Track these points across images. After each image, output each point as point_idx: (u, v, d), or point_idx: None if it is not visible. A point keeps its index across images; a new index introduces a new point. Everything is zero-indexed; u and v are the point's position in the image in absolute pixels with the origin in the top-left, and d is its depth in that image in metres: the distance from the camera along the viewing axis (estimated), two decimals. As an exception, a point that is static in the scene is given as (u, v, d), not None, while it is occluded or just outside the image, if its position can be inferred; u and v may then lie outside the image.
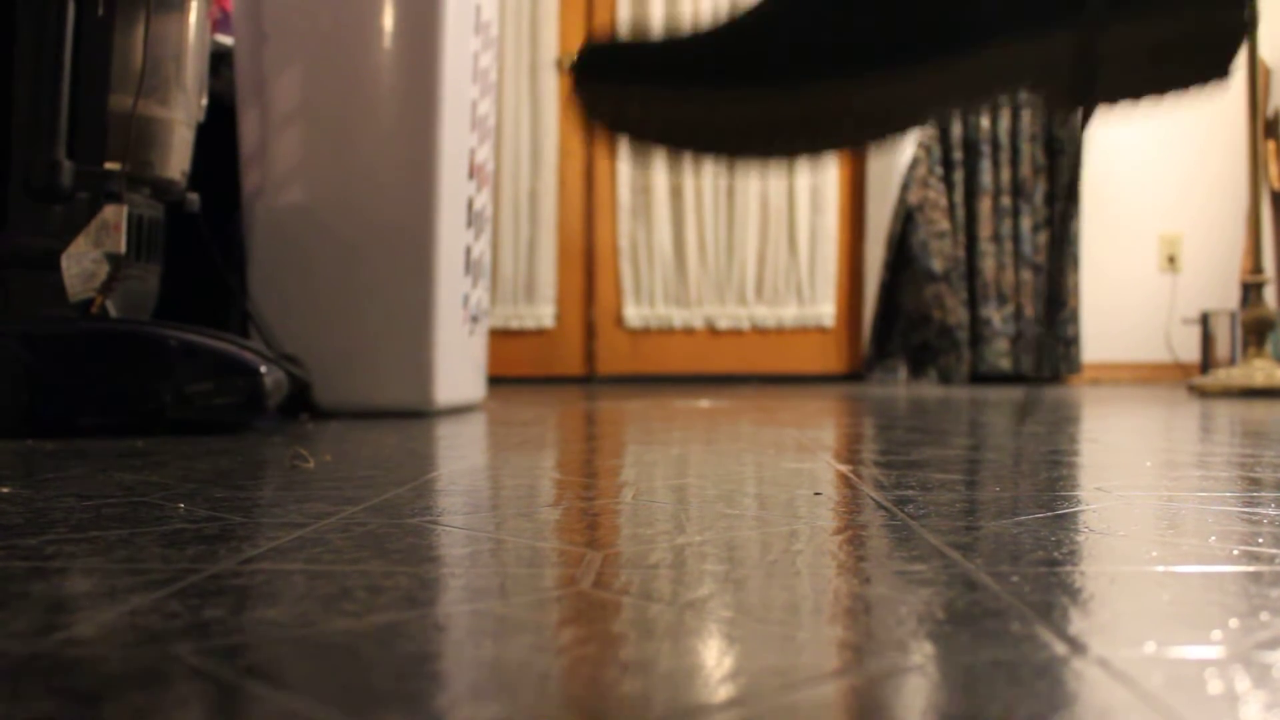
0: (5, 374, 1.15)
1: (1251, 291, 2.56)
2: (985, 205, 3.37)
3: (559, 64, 3.55)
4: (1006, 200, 3.39)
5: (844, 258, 3.50)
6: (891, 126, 0.49)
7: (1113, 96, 0.48)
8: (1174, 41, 0.47)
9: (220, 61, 1.69)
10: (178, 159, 1.38)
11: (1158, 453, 0.93)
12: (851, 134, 0.48)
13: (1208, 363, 3.33)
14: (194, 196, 1.45)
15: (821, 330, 3.50)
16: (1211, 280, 3.65)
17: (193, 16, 1.39)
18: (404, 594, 0.38)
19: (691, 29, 0.50)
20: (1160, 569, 0.42)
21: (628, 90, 0.48)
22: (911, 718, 0.25)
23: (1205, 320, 3.38)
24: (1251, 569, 0.42)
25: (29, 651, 0.31)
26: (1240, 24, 0.48)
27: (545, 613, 0.35)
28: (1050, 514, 0.56)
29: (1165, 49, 0.47)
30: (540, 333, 3.55)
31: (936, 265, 3.31)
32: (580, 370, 3.54)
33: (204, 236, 1.48)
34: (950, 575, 0.41)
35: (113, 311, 1.26)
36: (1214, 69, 0.49)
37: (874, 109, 0.48)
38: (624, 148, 0.50)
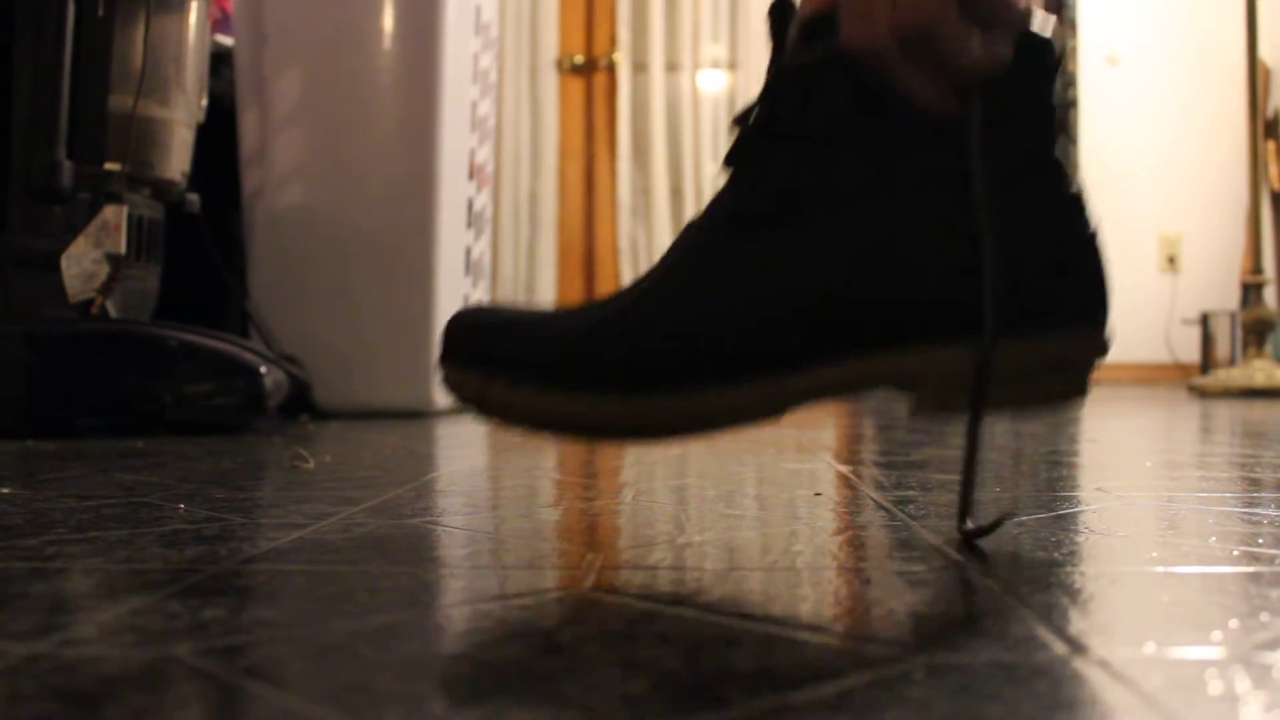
0: (6, 374, 1.15)
1: (1251, 292, 2.56)
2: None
3: (559, 65, 3.55)
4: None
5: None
6: (769, 417, 0.50)
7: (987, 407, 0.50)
8: (1042, 363, 0.49)
9: (220, 62, 1.69)
10: (178, 159, 1.38)
11: (1158, 453, 0.93)
12: (729, 428, 0.50)
13: (1208, 363, 3.33)
14: (194, 197, 1.45)
15: (821, 331, 3.49)
16: (1211, 281, 3.65)
17: (193, 17, 1.39)
18: (404, 595, 0.38)
19: (563, 314, 0.51)
20: (1160, 570, 0.42)
21: (490, 380, 0.49)
22: (911, 719, 0.25)
23: (1205, 321, 3.38)
24: (1251, 570, 0.42)
25: (29, 652, 0.31)
26: (1102, 349, 0.50)
27: (546, 614, 0.35)
28: (1051, 514, 0.56)
29: (1034, 369, 0.49)
30: (540, 333, 3.54)
31: (936, 266, 3.30)
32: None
33: (204, 237, 1.48)
34: (950, 576, 0.41)
35: (113, 312, 1.26)
36: (1075, 388, 0.51)
37: (749, 412, 0.49)
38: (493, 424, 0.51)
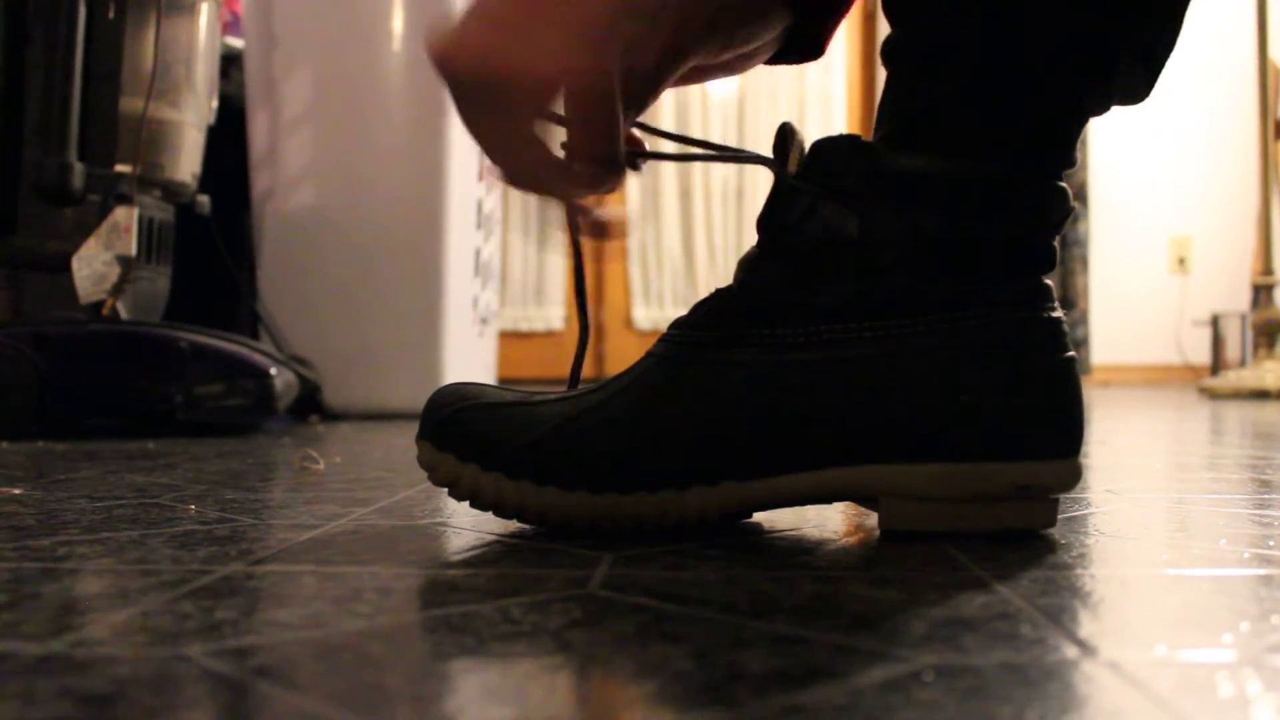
0: (17, 375, 1.16)
1: (1262, 293, 2.55)
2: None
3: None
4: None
5: (853, 259, 3.49)
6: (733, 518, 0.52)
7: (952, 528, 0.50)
8: (995, 494, 0.49)
9: (230, 64, 1.69)
10: (188, 161, 1.38)
11: (1168, 455, 0.93)
12: (695, 526, 0.51)
13: (1218, 365, 3.32)
14: (204, 199, 1.45)
15: (830, 332, 3.49)
16: (1221, 282, 3.64)
17: (203, 19, 1.39)
18: (414, 595, 0.38)
19: (543, 402, 0.52)
20: (1171, 572, 0.42)
21: (462, 466, 0.50)
22: (922, 720, 0.25)
23: (1215, 322, 3.37)
24: (1263, 572, 0.42)
25: (42, 652, 0.31)
26: (1074, 477, 0.50)
27: (555, 614, 0.35)
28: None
29: (988, 497, 0.49)
30: (549, 334, 3.55)
31: (945, 267, 3.29)
32: (589, 372, 3.54)
33: (214, 239, 1.48)
34: (959, 578, 0.41)
35: (123, 313, 1.26)
36: (1043, 521, 0.50)
37: (709, 514, 0.50)
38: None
